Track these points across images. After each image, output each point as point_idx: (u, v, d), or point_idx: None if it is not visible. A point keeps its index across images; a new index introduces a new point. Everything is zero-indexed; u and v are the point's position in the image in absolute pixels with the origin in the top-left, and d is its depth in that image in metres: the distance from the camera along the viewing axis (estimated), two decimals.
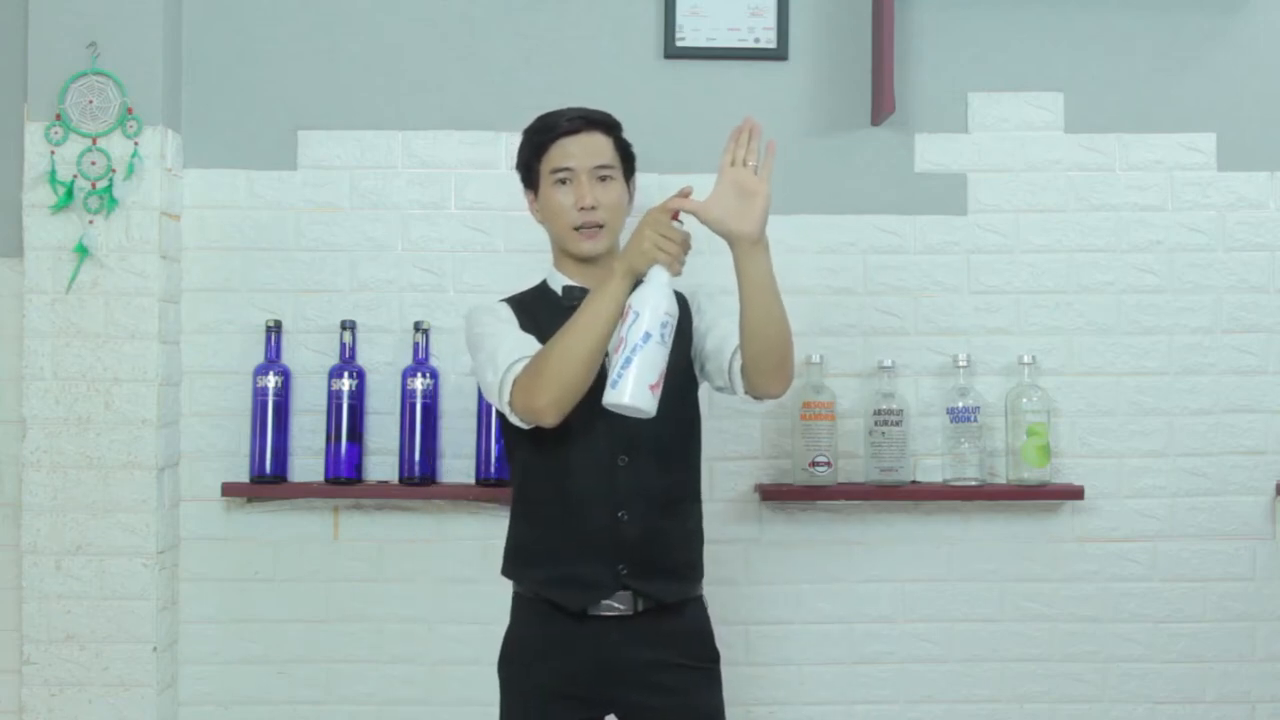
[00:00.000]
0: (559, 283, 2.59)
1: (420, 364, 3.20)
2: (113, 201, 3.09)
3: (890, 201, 3.29)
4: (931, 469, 3.27)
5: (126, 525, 3.08)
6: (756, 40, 3.29)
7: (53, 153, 3.09)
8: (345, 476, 3.18)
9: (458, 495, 3.20)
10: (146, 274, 3.10)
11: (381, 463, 3.25)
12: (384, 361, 3.25)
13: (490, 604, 2.99)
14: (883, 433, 3.19)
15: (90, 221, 3.09)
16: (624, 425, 2.36)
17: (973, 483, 3.20)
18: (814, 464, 3.17)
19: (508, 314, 2.54)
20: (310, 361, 3.25)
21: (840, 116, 3.30)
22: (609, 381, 2.28)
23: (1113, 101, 3.31)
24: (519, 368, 2.41)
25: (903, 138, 3.30)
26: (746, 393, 2.50)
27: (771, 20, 3.28)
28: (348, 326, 3.20)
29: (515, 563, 2.57)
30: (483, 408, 3.18)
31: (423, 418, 3.18)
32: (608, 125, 2.59)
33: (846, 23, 3.30)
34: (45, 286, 3.09)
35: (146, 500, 3.09)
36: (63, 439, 3.09)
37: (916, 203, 3.30)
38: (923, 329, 3.29)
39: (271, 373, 3.18)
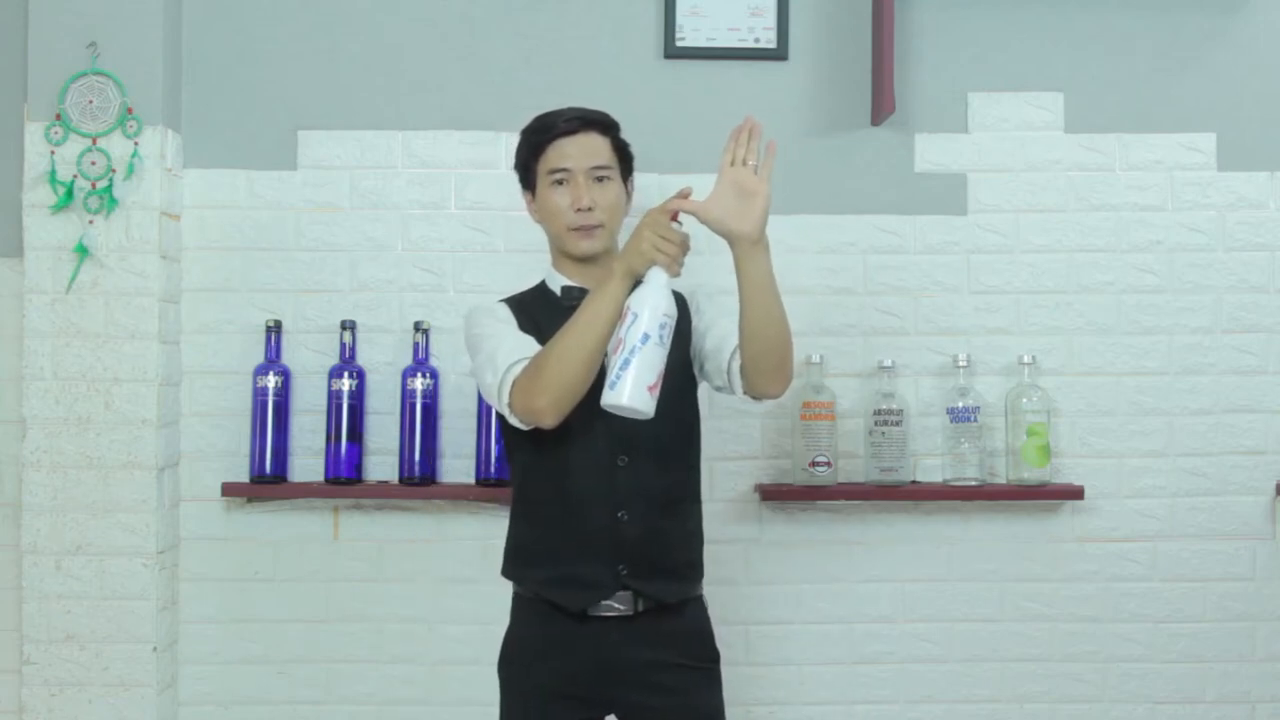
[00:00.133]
0: (558, 283, 2.59)
1: (420, 364, 3.20)
2: (113, 201, 3.09)
3: (890, 201, 3.29)
4: (931, 469, 3.27)
5: (126, 525, 3.08)
6: (756, 40, 3.29)
7: (53, 153, 3.09)
8: (345, 476, 3.18)
9: (458, 495, 3.20)
10: (146, 274, 3.10)
11: (381, 463, 3.25)
12: (384, 361, 3.26)
13: (490, 604, 2.99)
14: (883, 433, 3.19)
15: (90, 221, 3.09)
16: (623, 426, 2.36)
17: (973, 483, 3.20)
18: (814, 464, 3.17)
19: (506, 314, 2.55)
20: (310, 361, 3.25)
21: (840, 116, 3.30)
22: (607, 382, 2.28)
23: (1113, 101, 3.31)
24: (518, 369, 2.41)
25: (903, 138, 3.30)
26: (745, 393, 2.50)
27: (771, 20, 3.28)
28: (348, 326, 3.20)
29: (515, 563, 2.57)
30: (483, 408, 3.18)
31: (423, 418, 3.18)
32: (605, 125, 2.59)
33: (846, 23, 3.30)
34: (45, 286, 3.09)
35: (146, 500, 3.09)
36: (63, 439, 3.09)
37: (916, 203, 3.30)
38: (923, 329, 3.29)
39: (271, 373, 3.18)
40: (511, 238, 3.25)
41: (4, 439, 3.19)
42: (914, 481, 3.26)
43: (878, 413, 3.19)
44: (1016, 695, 3.27)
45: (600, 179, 2.55)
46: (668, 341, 2.30)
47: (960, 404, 3.20)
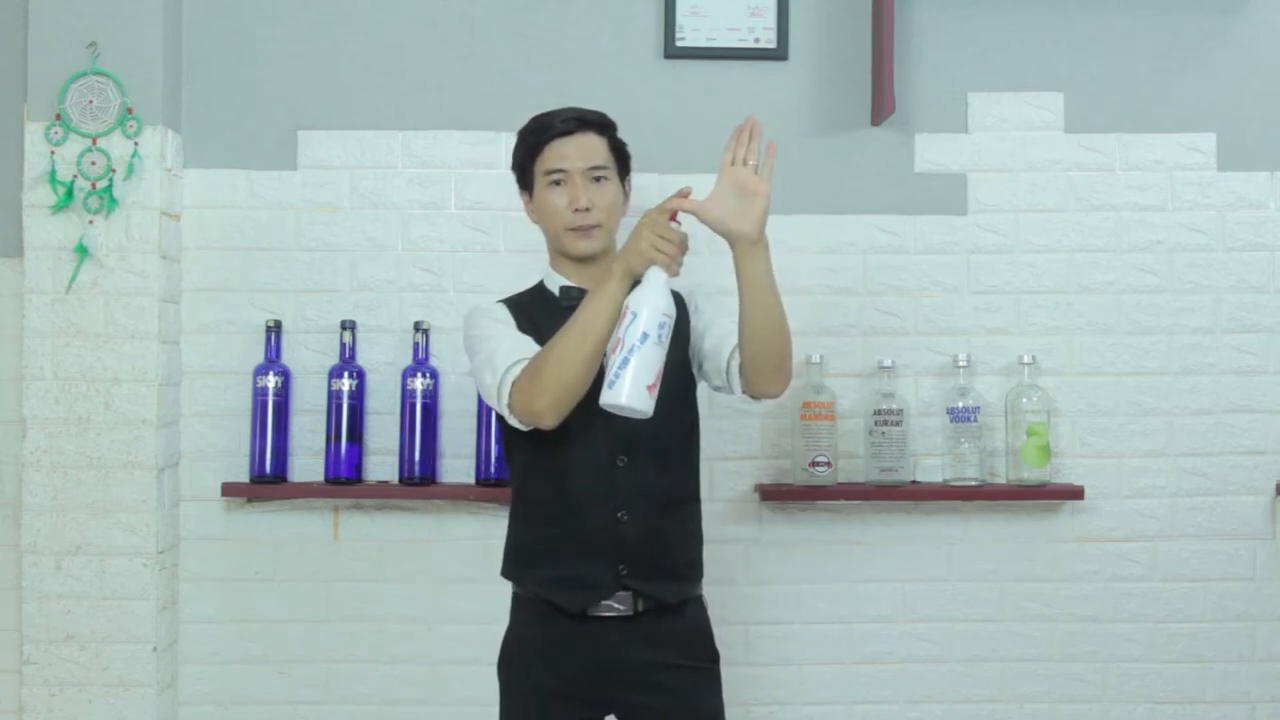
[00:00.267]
0: (556, 283, 2.59)
1: (420, 364, 3.20)
2: (113, 201, 3.09)
3: (890, 201, 3.29)
4: (931, 469, 3.27)
5: (126, 525, 3.08)
6: (756, 40, 3.29)
7: (53, 153, 3.09)
8: (345, 476, 3.18)
9: (458, 495, 3.20)
10: (146, 274, 3.10)
11: (381, 463, 3.25)
12: (384, 361, 3.26)
13: (490, 604, 2.99)
14: (883, 433, 3.19)
15: (90, 221, 3.09)
16: (623, 425, 2.36)
17: (973, 483, 3.20)
18: (814, 464, 3.17)
19: (505, 315, 2.55)
20: (310, 361, 3.25)
21: (840, 116, 3.30)
22: (606, 382, 2.28)
23: (1113, 101, 3.31)
24: (517, 370, 2.41)
25: (903, 138, 3.30)
26: (744, 393, 2.50)
27: (771, 20, 3.28)
28: (348, 326, 3.20)
29: (515, 563, 2.57)
30: (483, 408, 3.18)
31: (423, 418, 3.18)
32: (602, 125, 2.59)
33: (846, 23, 3.30)
34: (45, 286, 3.09)
35: (146, 500, 3.09)
36: (63, 439, 3.09)
37: (916, 203, 3.30)
38: (923, 329, 3.29)
39: (271, 373, 3.18)
40: (511, 238, 3.24)
41: (4, 439, 3.19)
42: (914, 481, 3.26)
43: (878, 413, 3.19)
44: (1016, 695, 3.27)
45: (597, 179, 2.55)
46: (667, 341, 2.30)
47: (960, 404, 3.20)
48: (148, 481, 3.09)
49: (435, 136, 3.28)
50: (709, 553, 2.62)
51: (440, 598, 3.24)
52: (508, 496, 2.63)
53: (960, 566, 3.27)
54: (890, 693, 3.27)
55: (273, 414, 3.18)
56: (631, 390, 2.26)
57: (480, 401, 3.17)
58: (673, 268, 2.33)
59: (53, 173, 3.09)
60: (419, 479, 3.18)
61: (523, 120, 2.63)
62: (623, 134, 2.63)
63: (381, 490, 3.20)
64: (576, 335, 2.34)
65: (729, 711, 2.59)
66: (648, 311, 2.28)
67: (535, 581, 2.52)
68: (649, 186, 3.07)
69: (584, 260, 2.56)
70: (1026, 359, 3.23)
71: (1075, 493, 3.22)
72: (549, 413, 2.37)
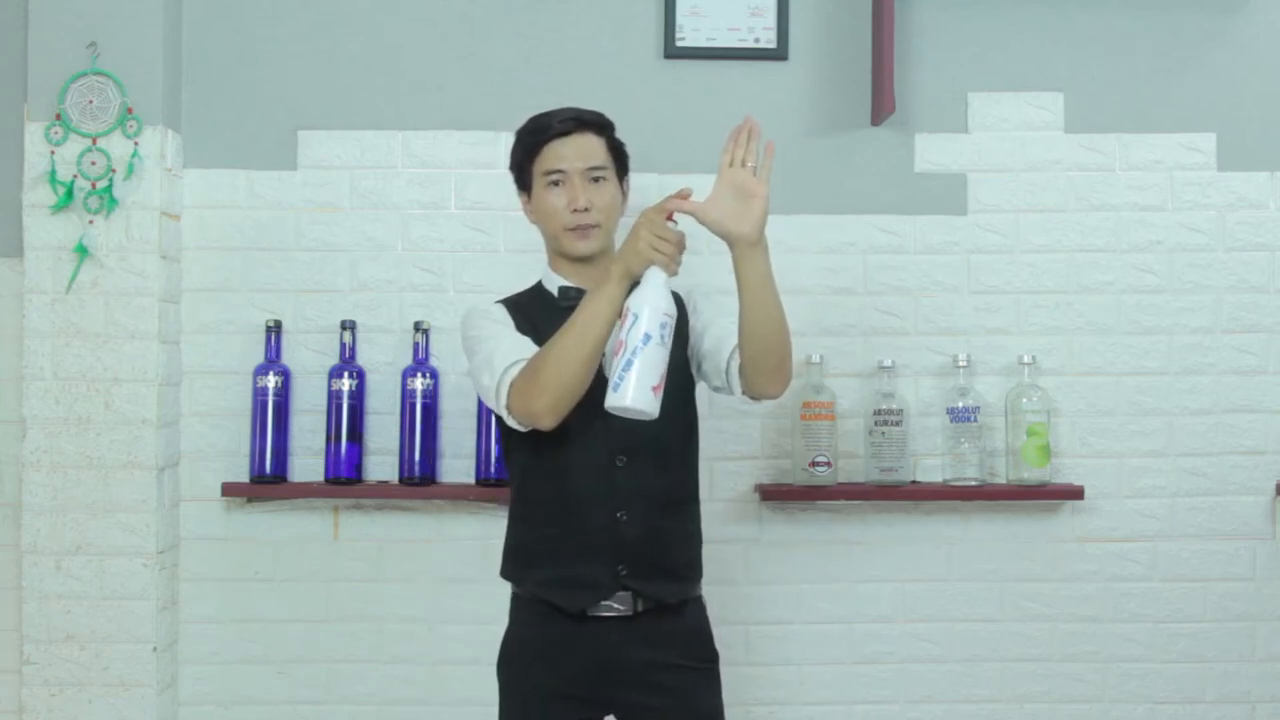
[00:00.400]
0: (554, 283, 2.59)
1: (420, 364, 3.20)
2: (113, 201, 3.09)
3: (890, 201, 3.29)
4: (931, 469, 3.27)
5: (126, 525, 3.09)
6: (756, 40, 3.29)
7: (53, 153, 3.09)
8: (345, 476, 3.18)
9: (458, 495, 3.20)
10: (146, 274, 3.10)
11: (381, 463, 3.25)
12: (384, 361, 3.26)
13: (490, 604, 2.98)
14: (883, 433, 3.18)
15: (90, 221, 3.09)
16: (622, 426, 2.36)
17: (973, 483, 3.20)
18: (814, 464, 3.17)
19: (503, 315, 2.54)
20: (310, 361, 3.25)
21: (840, 116, 3.30)
22: (610, 384, 2.28)
23: (1113, 101, 3.31)
24: (515, 371, 2.41)
25: (903, 138, 3.30)
26: (744, 393, 2.50)
27: (771, 20, 3.28)
28: (348, 326, 3.20)
29: (514, 564, 2.57)
30: (482, 408, 3.18)
31: (423, 418, 3.18)
32: (600, 126, 2.58)
33: (846, 23, 3.29)
34: (45, 286, 3.09)
35: (146, 500, 3.09)
36: (63, 439, 3.09)
37: (916, 203, 3.30)
38: (923, 329, 3.29)
39: (271, 373, 3.19)
40: (511, 238, 3.24)
41: (4, 439, 3.19)
42: (914, 481, 3.26)
43: (878, 413, 3.19)
44: (1016, 695, 3.27)
45: (596, 179, 2.55)
46: (669, 341, 2.30)
47: (960, 404, 3.20)
48: (148, 481, 3.09)
49: (435, 136, 3.28)
50: (709, 553, 2.62)
51: (440, 598, 3.24)
52: (507, 497, 2.63)
53: (960, 566, 3.27)
54: (890, 693, 3.27)
55: (273, 414, 3.18)
56: (637, 392, 2.26)
57: (480, 401, 3.17)
58: (671, 267, 2.33)
59: (53, 173, 3.09)
60: (419, 479, 3.18)
61: (522, 120, 2.63)
62: (622, 134, 2.63)
63: (381, 490, 3.20)
64: (575, 336, 2.34)
65: (729, 711, 2.59)
66: (649, 312, 2.28)
67: (535, 582, 2.52)
68: (649, 186, 3.07)
69: (583, 260, 2.56)
70: (1026, 359, 3.23)
71: (1075, 493, 3.22)
72: (547, 414, 2.37)
